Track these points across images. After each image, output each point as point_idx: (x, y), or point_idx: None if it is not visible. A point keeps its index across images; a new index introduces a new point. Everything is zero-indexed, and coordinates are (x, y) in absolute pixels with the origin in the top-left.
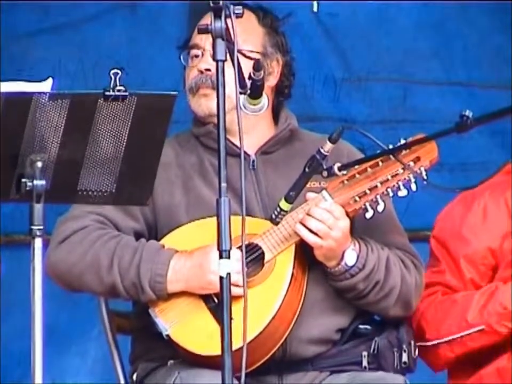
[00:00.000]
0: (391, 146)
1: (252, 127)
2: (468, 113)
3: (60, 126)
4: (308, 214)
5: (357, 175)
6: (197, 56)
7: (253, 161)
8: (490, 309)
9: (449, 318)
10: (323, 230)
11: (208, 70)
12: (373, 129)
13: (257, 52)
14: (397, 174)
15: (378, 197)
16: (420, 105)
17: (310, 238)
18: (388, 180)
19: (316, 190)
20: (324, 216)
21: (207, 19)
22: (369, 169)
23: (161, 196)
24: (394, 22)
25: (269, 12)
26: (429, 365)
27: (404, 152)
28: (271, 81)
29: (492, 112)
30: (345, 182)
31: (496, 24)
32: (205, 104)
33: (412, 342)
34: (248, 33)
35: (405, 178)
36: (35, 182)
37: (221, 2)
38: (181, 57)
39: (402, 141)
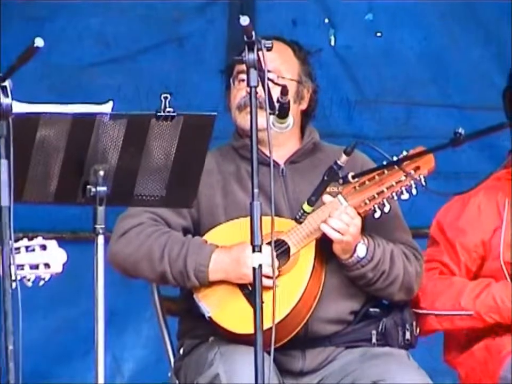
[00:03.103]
0: (395, 158)
1: (284, 142)
2: (461, 130)
3: (119, 141)
4: (330, 216)
5: (367, 182)
6: (243, 80)
7: (283, 169)
8: (482, 300)
9: (444, 295)
10: (343, 227)
11: (256, 92)
12: (381, 144)
13: (294, 80)
14: (400, 181)
15: (384, 200)
16: (421, 123)
17: (333, 235)
18: (392, 185)
19: (333, 194)
20: (343, 216)
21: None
22: (376, 177)
23: (205, 198)
24: (399, 54)
25: (301, 46)
26: None
27: (406, 162)
28: (303, 105)
29: (481, 129)
30: (357, 188)
31: (486, 55)
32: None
33: (414, 323)
34: (288, 63)
35: (407, 184)
36: (98, 188)
37: (253, 37)
38: (231, 80)
39: (404, 153)
